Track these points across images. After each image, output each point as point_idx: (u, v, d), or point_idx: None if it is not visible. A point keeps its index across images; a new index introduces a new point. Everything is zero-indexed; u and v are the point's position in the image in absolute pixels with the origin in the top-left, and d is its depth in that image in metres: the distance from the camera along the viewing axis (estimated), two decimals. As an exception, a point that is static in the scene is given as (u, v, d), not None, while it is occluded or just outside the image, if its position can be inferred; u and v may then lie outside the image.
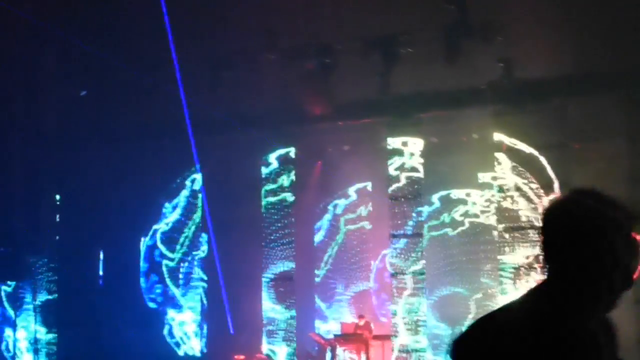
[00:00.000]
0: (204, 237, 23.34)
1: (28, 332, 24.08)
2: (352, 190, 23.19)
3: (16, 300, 24.07)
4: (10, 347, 24.10)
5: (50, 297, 23.76)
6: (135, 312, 23.26)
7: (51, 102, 23.03)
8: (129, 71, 20.81)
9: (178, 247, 23.92)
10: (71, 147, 22.96)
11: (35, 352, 23.89)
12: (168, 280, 23.86)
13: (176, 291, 23.78)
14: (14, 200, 22.90)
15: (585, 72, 19.71)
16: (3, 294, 24.33)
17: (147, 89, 21.40)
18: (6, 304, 24.25)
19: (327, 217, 23.48)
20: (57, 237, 23.89)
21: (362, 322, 20.93)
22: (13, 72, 22.42)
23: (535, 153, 20.30)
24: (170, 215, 24.00)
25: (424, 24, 20.22)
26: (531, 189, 20.51)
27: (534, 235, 20.51)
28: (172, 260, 23.91)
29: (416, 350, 21.05)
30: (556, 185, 20.12)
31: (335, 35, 21.11)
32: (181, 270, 23.85)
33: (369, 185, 22.88)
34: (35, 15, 20.20)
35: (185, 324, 23.66)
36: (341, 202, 23.35)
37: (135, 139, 22.41)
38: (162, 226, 24.01)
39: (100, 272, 23.91)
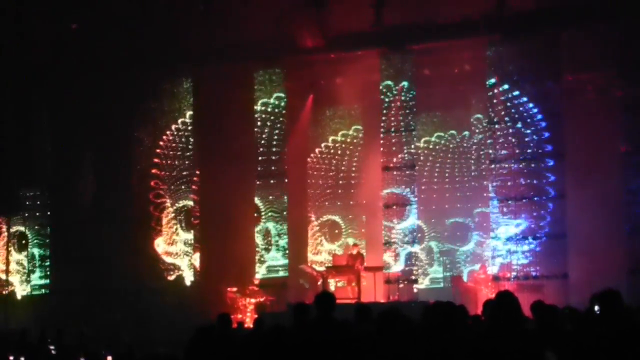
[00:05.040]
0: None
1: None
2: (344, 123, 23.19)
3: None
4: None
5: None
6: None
7: (43, 34, 22.85)
8: (121, 3, 20.76)
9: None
10: (63, 77, 22.84)
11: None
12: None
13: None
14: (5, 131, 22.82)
15: (580, 2, 19.71)
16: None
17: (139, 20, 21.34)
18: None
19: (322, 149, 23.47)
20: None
21: (355, 251, 20.82)
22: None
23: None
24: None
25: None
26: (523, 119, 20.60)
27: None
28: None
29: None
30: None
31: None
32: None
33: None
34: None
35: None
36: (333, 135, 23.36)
37: (126, 69, 22.23)
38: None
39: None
